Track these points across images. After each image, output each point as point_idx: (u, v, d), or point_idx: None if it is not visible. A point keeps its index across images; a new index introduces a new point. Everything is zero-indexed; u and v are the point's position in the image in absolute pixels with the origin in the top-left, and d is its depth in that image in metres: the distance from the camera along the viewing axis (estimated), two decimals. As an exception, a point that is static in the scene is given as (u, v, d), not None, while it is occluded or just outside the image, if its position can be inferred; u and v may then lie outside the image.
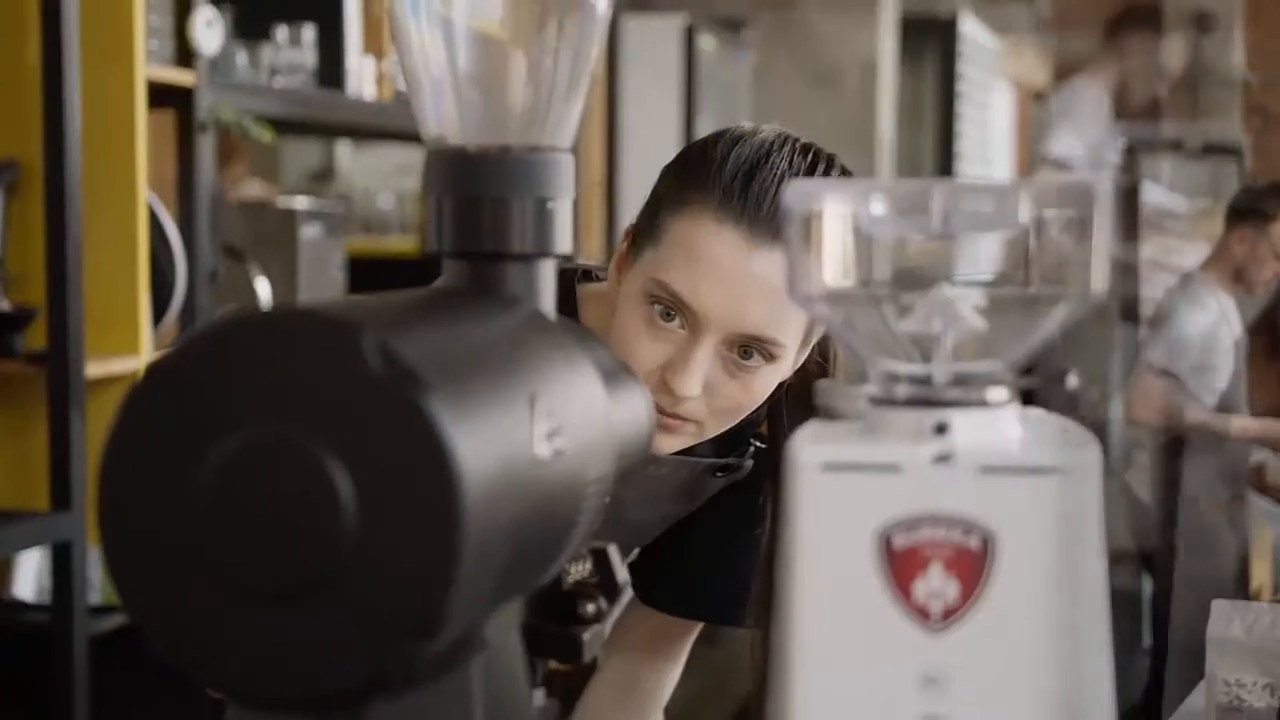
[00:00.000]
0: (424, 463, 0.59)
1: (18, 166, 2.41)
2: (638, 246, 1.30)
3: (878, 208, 0.69)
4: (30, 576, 2.66)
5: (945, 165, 7.49)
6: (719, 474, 1.42)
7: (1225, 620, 2.08)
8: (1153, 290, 4.36)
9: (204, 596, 0.61)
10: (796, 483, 0.68)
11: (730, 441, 1.42)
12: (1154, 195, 4.41)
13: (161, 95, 2.62)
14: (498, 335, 0.72)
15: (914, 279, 0.72)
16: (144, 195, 2.49)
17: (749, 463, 1.42)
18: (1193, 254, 4.43)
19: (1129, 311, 4.49)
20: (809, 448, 0.68)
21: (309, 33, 3.05)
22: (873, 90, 5.57)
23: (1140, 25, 4.34)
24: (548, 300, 0.81)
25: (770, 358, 1.27)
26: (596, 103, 4.60)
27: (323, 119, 3.20)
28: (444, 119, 0.81)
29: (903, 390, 0.70)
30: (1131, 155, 4.67)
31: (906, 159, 7.13)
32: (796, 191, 0.70)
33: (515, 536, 0.65)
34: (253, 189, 4.00)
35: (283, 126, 3.18)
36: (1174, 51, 4.40)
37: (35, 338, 2.39)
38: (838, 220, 0.70)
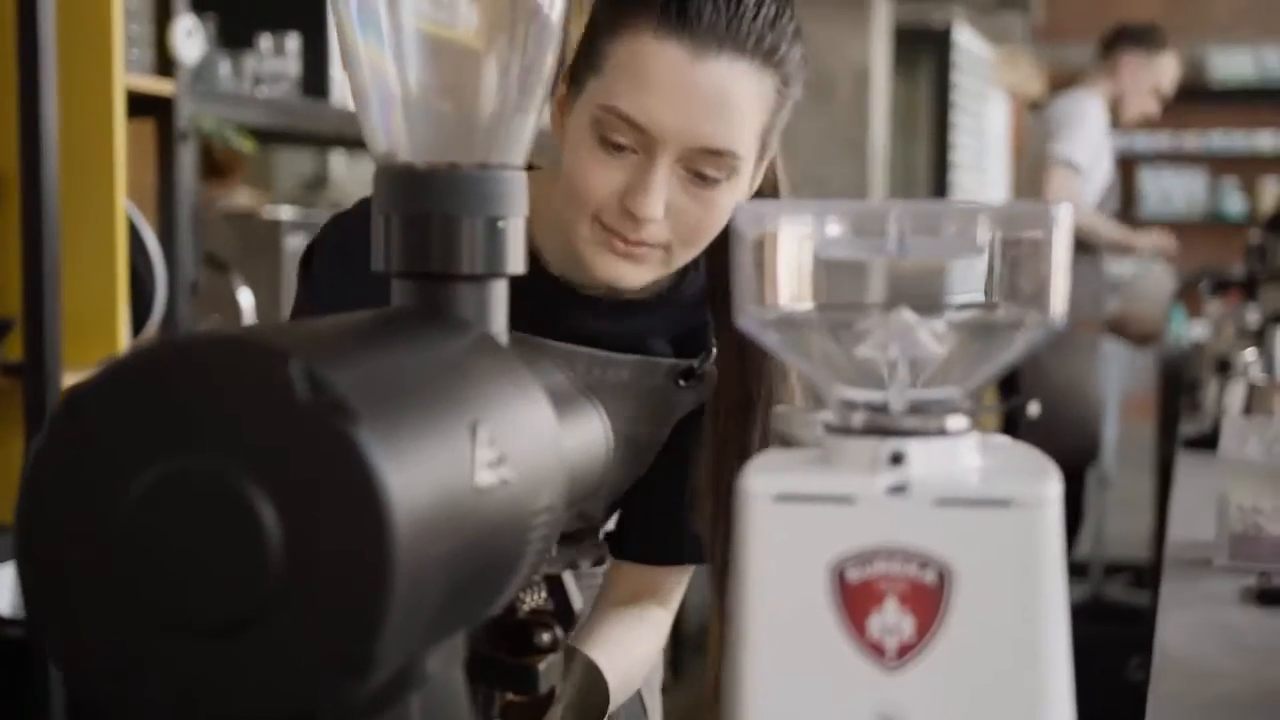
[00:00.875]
0: (353, 496, 0.57)
1: (-6, 175, 2.39)
2: (578, 82, 1.29)
3: (832, 230, 0.67)
4: (7, 591, 2.64)
5: (940, 175, 7.47)
6: (683, 382, 1.41)
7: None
8: None
9: (125, 630, 0.59)
10: (747, 514, 0.66)
11: (690, 346, 1.41)
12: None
13: (142, 104, 2.60)
14: (440, 361, 0.70)
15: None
16: (123, 205, 2.47)
17: (712, 366, 1.40)
18: None
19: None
20: (760, 477, 0.66)
21: (293, 42, 3.03)
22: (866, 99, 5.55)
23: (1132, 46, 4.39)
24: (499, 321, 0.78)
25: (729, 173, 1.25)
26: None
27: (306, 128, 3.18)
28: (392, 135, 0.79)
29: (858, 418, 0.68)
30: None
31: (900, 168, 7.11)
32: (747, 214, 0.68)
33: (453, 570, 0.63)
34: (243, 198, 3.97)
35: (266, 135, 3.15)
36: (1168, 69, 4.43)
37: (12, 348, 2.37)
38: (791, 242, 0.68)
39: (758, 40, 1.23)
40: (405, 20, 0.78)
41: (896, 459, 0.66)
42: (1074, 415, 4.27)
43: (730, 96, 1.23)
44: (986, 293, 0.69)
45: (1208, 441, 2.80)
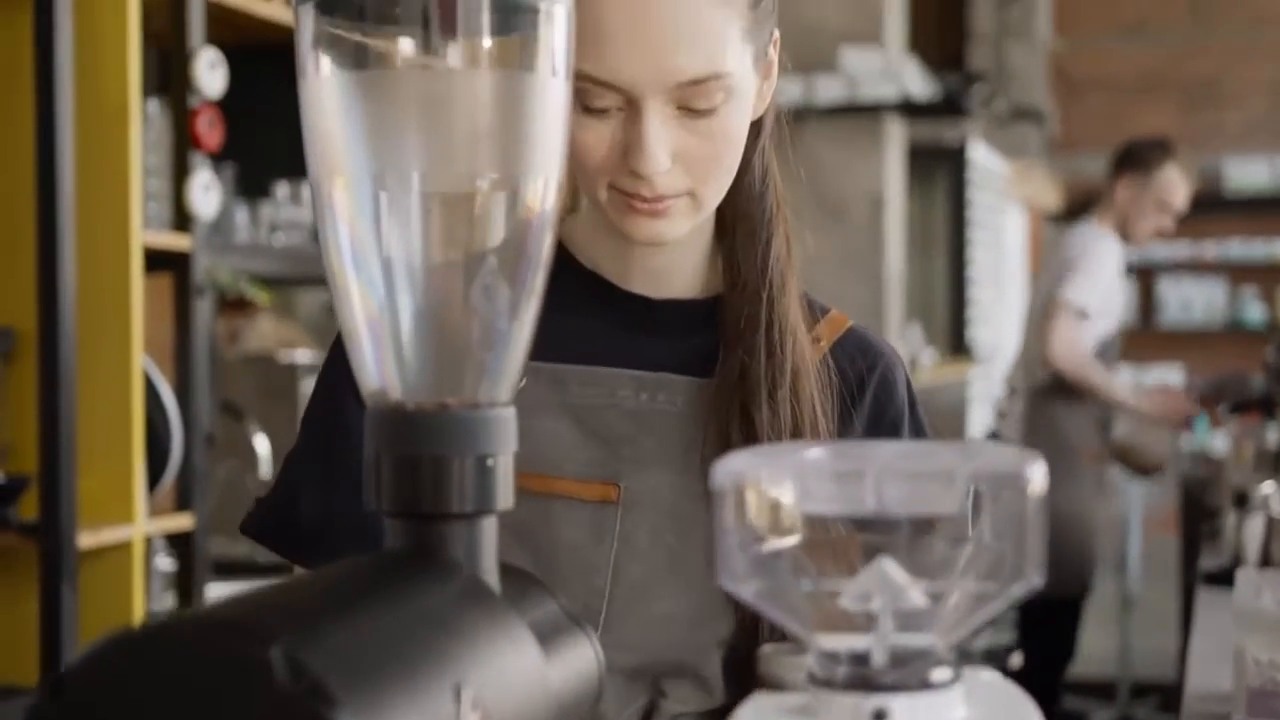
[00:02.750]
0: (332, 780, 0.57)
1: (13, 335, 2.42)
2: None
3: (811, 485, 0.68)
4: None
5: (958, 291, 7.50)
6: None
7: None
8: None
9: None
10: (732, 772, 0.66)
11: None
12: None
13: (159, 259, 2.64)
14: (425, 617, 0.70)
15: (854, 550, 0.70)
16: (139, 363, 2.49)
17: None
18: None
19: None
20: (745, 734, 0.66)
21: (309, 191, 3.07)
22: (880, 223, 5.58)
23: (1128, 169, 4.42)
24: (489, 558, 0.79)
25: (725, 94, 1.16)
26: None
27: (322, 275, 3.21)
28: (384, 374, 0.80)
29: (841, 672, 0.68)
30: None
31: (918, 286, 7.14)
32: (726, 468, 0.69)
33: (437, 839, 0.63)
34: (265, 327, 4.00)
35: (283, 279, 3.19)
36: (1172, 183, 4.45)
37: (28, 507, 2.38)
38: (769, 495, 0.68)
39: None
40: (397, 263, 0.79)
41: (880, 716, 0.66)
42: (1071, 549, 4.23)
43: (692, 18, 1.13)
44: (969, 541, 0.69)
45: (1227, 576, 2.78)
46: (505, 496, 0.79)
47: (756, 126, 1.26)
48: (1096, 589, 4.34)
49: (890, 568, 0.68)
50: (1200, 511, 4.34)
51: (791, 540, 0.70)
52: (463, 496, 0.78)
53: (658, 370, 1.28)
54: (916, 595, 0.68)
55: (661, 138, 1.15)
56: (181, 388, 2.65)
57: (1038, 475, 0.66)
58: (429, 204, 0.78)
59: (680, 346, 1.30)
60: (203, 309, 2.68)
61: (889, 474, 0.67)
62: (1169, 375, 10.06)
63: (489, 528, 0.79)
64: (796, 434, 1.25)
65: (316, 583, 0.69)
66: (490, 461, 0.79)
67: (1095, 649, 6.50)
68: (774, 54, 1.24)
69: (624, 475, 1.25)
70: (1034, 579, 0.66)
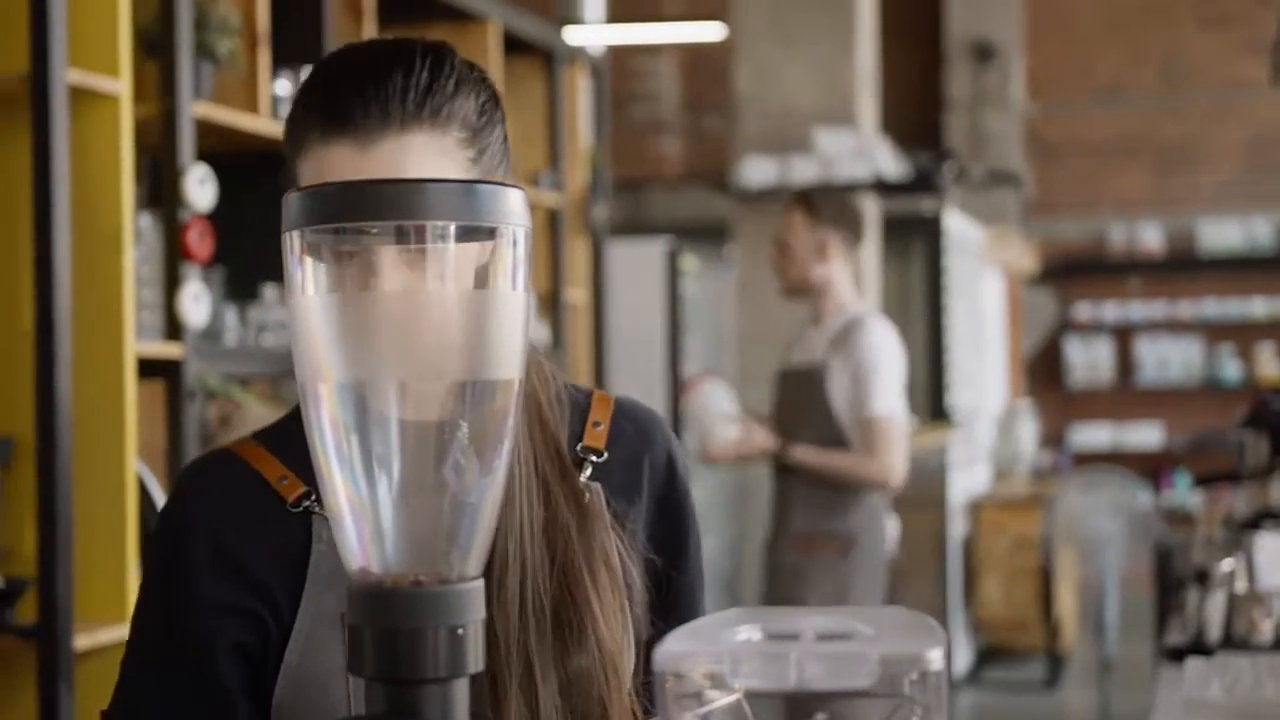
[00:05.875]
0: None
1: (11, 443, 2.51)
2: None
3: (742, 668, 0.77)
4: None
5: (936, 357, 7.60)
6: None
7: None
8: None
9: None
10: None
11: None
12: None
13: (151, 366, 2.73)
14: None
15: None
16: (133, 467, 2.58)
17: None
18: None
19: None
20: None
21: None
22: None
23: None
24: (461, 717, 0.89)
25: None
26: (582, 326, 4.72)
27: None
28: (365, 553, 0.90)
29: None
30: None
31: (896, 354, 7.22)
32: (666, 654, 0.78)
33: None
34: (255, 413, 4.08)
35: (274, 378, 3.29)
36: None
37: (25, 610, 2.47)
38: (703, 680, 0.78)
39: (415, 110, 1.22)
40: (376, 456, 0.89)
41: None
42: None
43: (408, 170, 1.21)
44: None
45: (1191, 651, 2.86)
46: (476, 660, 0.89)
47: None
48: (1077, 649, 4.35)
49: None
50: (1171, 576, 4.40)
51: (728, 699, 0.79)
52: (436, 663, 0.88)
53: None
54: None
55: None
56: (174, 489, 2.74)
57: (937, 656, 0.76)
58: (404, 403, 0.88)
59: None
60: (193, 414, 2.77)
61: (809, 658, 0.76)
62: (1148, 433, 10.20)
63: (461, 689, 0.89)
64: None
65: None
66: (461, 631, 0.89)
67: (1075, 710, 6.58)
68: None
69: None
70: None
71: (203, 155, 2.86)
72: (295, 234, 0.88)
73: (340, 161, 1.21)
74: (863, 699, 0.77)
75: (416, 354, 0.89)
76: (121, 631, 2.57)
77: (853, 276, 4.01)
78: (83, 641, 2.46)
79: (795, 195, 4.13)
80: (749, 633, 0.81)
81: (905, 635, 0.79)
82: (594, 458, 1.33)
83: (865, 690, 0.77)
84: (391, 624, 0.87)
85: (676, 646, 0.79)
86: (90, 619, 2.52)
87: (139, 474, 2.63)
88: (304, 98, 1.26)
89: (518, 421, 0.92)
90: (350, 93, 1.22)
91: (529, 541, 1.26)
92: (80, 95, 2.57)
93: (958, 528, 7.28)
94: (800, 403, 3.96)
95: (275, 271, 3.20)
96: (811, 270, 3.91)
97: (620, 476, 1.34)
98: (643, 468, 1.36)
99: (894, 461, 3.85)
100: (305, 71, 1.28)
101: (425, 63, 1.23)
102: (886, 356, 3.92)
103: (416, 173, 1.21)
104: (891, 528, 4.19)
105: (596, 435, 1.34)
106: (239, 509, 1.29)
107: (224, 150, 3.05)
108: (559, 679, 1.24)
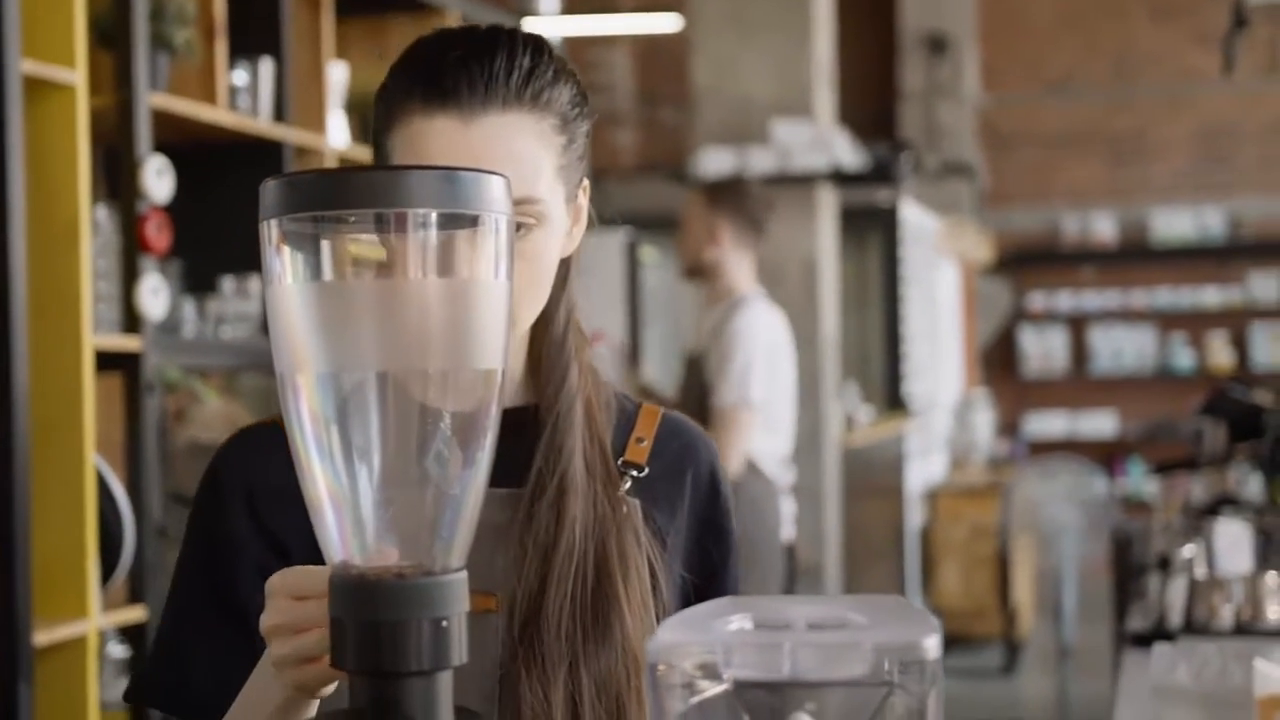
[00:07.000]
0: None
1: (-33, 438, 2.48)
2: None
3: (734, 659, 0.77)
4: None
5: (892, 347, 7.63)
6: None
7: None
8: None
9: None
10: None
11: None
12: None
13: (109, 359, 2.70)
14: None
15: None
16: (91, 460, 2.56)
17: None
18: None
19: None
20: None
21: (255, 284, 3.15)
22: (814, 286, 5.70)
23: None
24: (445, 711, 0.88)
25: (536, 218, 1.23)
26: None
27: (268, 365, 3.27)
28: (346, 545, 0.89)
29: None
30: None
31: (853, 344, 7.26)
32: (657, 644, 0.77)
33: None
34: (212, 406, 4.04)
35: (231, 370, 3.26)
36: None
37: (-17, 607, 2.43)
38: (699, 669, 0.77)
39: (519, 91, 1.23)
40: (356, 446, 0.88)
41: None
42: None
43: (509, 147, 1.23)
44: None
45: (1153, 639, 2.87)
46: (460, 653, 0.88)
47: (566, 266, 1.33)
48: (1034, 636, 4.37)
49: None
50: (1130, 563, 4.43)
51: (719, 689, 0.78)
52: (419, 656, 0.87)
53: None
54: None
55: None
56: (132, 483, 2.71)
57: (932, 644, 0.75)
58: (385, 393, 0.87)
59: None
60: (152, 407, 2.75)
61: (802, 648, 0.76)
62: (1102, 421, 10.26)
63: (445, 682, 0.88)
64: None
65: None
66: (445, 623, 0.87)
67: (1032, 696, 6.61)
68: (584, 200, 1.34)
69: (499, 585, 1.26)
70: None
71: (160, 146, 2.84)
72: (273, 223, 0.86)
73: (442, 134, 1.22)
74: (856, 688, 0.76)
75: (397, 344, 0.87)
76: (81, 627, 2.54)
77: (750, 265, 4.01)
78: (42, 638, 2.43)
79: (702, 183, 4.21)
80: (740, 622, 0.80)
81: (899, 623, 0.78)
82: (634, 473, 1.32)
83: (859, 679, 0.76)
84: (374, 616, 0.86)
85: (668, 637, 0.78)
86: (49, 615, 2.49)
87: (98, 468, 2.60)
88: (403, 71, 1.26)
89: (500, 412, 0.91)
90: (456, 67, 1.23)
91: (580, 532, 1.26)
92: (35, 86, 2.54)
93: (915, 516, 7.30)
94: (687, 386, 4.00)
95: (234, 263, 3.20)
96: (703, 252, 3.94)
97: (662, 489, 1.34)
98: (684, 484, 1.36)
99: (729, 452, 3.74)
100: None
101: (527, 49, 1.26)
102: (747, 344, 3.86)
103: (517, 150, 1.23)
104: (786, 511, 4.10)
105: (639, 450, 1.34)
106: (278, 473, 1.26)
107: (181, 141, 3.02)
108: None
